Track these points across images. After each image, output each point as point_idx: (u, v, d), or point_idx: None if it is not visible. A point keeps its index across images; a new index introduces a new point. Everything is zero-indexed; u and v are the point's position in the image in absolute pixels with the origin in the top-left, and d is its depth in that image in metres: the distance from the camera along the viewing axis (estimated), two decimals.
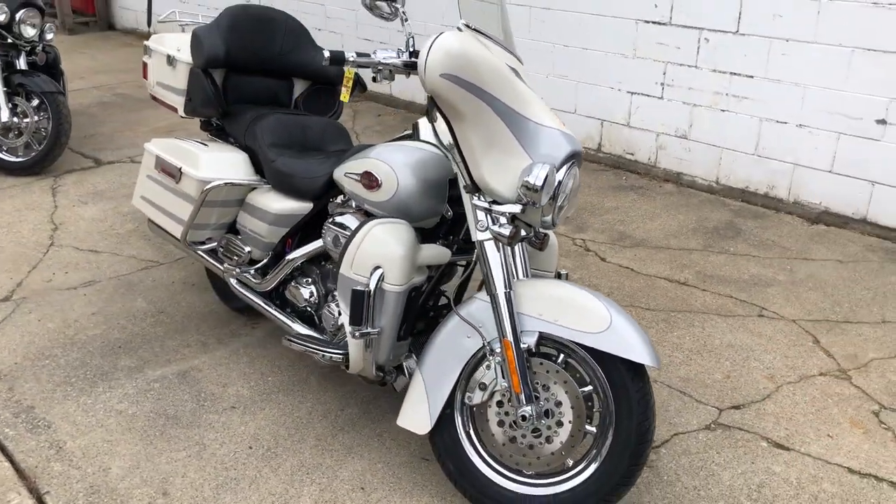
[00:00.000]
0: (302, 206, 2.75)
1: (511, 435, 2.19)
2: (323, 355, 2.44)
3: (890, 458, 2.55)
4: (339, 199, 2.66)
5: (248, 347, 3.13)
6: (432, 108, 2.04)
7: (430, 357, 2.24)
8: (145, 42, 3.29)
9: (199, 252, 3.06)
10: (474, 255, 2.44)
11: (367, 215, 2.47)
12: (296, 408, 2.76)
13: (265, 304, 2.84)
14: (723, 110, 4.80)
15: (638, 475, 2.11)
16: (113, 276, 3.70)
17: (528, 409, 2.10)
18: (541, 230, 2.17)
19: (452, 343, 2.22)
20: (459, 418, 2.26)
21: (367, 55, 2.14)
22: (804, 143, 4.51)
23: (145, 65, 3.30)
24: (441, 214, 2.40)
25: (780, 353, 3.14)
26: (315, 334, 2.61)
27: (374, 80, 2.26)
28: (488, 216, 2.12)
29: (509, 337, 2.10)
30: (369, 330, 2.21)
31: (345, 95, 2.22)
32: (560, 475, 2.17)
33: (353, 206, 2.56)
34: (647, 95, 5.13)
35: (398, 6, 2.22)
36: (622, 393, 2.10)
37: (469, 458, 2.24)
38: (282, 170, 2.76)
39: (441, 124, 2.18)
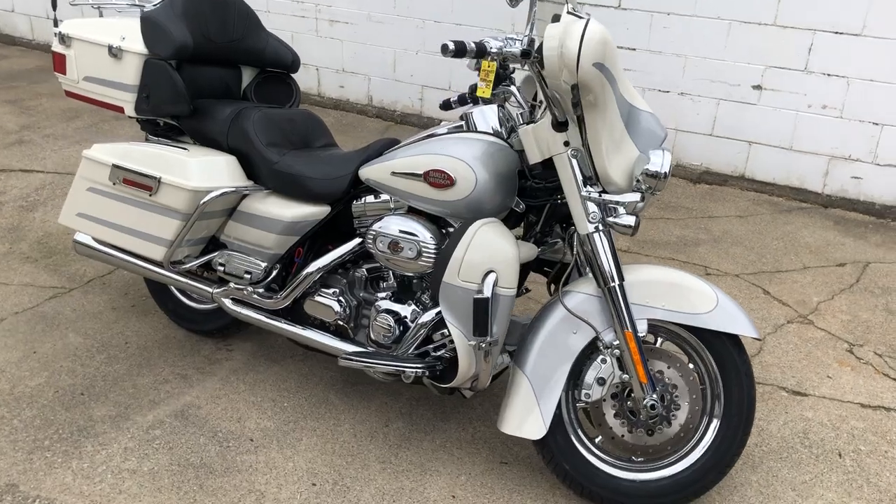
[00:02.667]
0: (319, 211, 2.46)
1: (630, 425, 2.15)
2: (404, 372, 2.23)
3: (884, 388, 2.87)
4: (366, 199, 2.42)
5: (239, 373, 2.77)
6: (573, 99, 1.89)
7: (535, 357, 2.13)
8: (59, 29, 2.72)
9: (179, 274, 2.64)
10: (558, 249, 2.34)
11: (417, 215, 2.28)
12: (335, 432, 2.49)
13: (283, 323, 2.51)
14: None
15: (747, 441, 2.19)
16: (18, 311, 3.07)
17: (654, 397, 2.08)
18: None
19: (558, 340, 2.12)
20: (567, 416, 2.19)
21: (483, 44, 1.94)
22: (686, 111, 4.87)
23: (60, 56, 2.73)
24: (509, 209, 2.27)
25: (745, 307, 3.39)
26: (377, 351, 2.37)
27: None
28: (601, 208, 2.05)
29: (629, 328, 2.06)
30: (491, 339, 2.05)
31: (485, 91, 2.00)
32: (673, 456, 2.19)
33: (391, 206, 2.35)
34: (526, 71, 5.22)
35: None
36: (730, 367, 2.14)
37: (583, 455, 2.18)
38: (288, 172, 2.45)
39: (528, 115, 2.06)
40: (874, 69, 4.24)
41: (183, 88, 2.50)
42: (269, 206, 2.49)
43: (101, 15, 2.81)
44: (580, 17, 1.89)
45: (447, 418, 2.58)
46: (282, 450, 2.39)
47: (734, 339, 2.14)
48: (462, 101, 2.52)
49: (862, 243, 4.11)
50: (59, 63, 2.73)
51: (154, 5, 2.74)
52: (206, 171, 2.44)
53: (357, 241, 2.47)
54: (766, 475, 2.39)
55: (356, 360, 2.29)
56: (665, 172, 1.94)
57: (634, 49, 4.86)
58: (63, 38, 2.69)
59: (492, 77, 1.92)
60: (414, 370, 2.22)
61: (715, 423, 2.17)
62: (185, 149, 2.52)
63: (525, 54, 1.93)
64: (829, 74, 4.38)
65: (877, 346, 3.14)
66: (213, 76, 2.75)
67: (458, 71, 5.49)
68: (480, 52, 1.92)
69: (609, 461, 2.20)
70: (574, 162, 2.03)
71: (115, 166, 2.52)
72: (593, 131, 1.93)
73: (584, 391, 2.12)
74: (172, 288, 2.99)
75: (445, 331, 2.20)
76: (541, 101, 2.35)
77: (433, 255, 2.22)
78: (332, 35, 5.96)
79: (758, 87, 4.61)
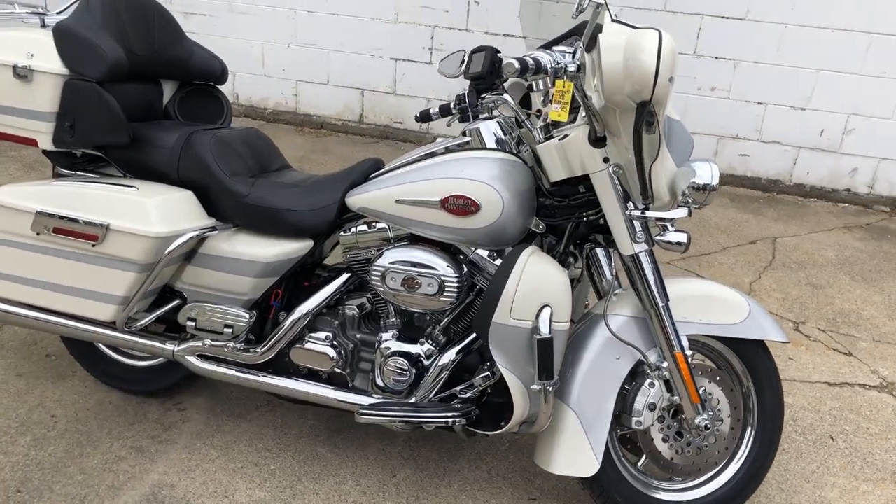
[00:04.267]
0: (301, 247, 2.15)
1: (678, 447, 2.07)
2: (441, 422, 2.00)
3: (840, 364, 3.01)
4: (358, 229, 2.15)
5: (203, 436, 2.39)
6: (641, 116, 1.72)
7: (580, 389, 1.97)
8: None
9: (131, 334, 2.23)
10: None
11: (426, 244, 2.06)
12: (340, 492, 2.21)
13: (268, 378, 2.19)
14: None
15: (779, 445, 2.18)
16: None
17: (705, 417, 2.01)
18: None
19: (603, 368, 1.99)
20: (611, 445, 2.06)
21: (538, 61, 1.72)
22: None
23: None
24: (528, 231, 2.09)
25: None
26: (395, 399, 2.11)
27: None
28: (643, 226, 1.92)
29: (678, 349, 1.96)
30: (556, 381, 1.86)
31: (561, 114, 1.76)
32: (714, 469, 2.14)
33: (392, 235, 2.10)
34: (415, 62, 5.01)
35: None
36: (761, 372, 2.12)
37: (631, 484, 2.07)
38: (263, 205, 2.12)
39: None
40: (758, 52, 4.46)
41: (121, 113, 2.08)
42: (241, 246, 2.15)
43: None
44: (633, 27, 1.74)
45: (455, 458, 2.38)
46: None
47: (762, 344, 2.11)
48: (445, 111, 2.30)
49: (762, 219, 4.34)
50: None
51: (60, 12, 2.28)
52: (166, 212, 2.05)
53: (346, 276, 2.20)
54: (778, 470, 2.41)
55: (380, 415, 2.04)
56: (714, 185, 1.85)
57: (525, 38, 4.79)
58: None
59: (568, 98, 1.72)
60: (454, 419, 2.00)
61: (750, 432, 2.14)
62: (130, 186, 2.10)
63: (580, 69, 1.75)
64: (716, 58, 4.56)
65: (817, 321, 3.30)
66: (133, 93, 2.33)
67: (335, 65, 5.17)
68: (538, 69, 1.72)
69: (656, 486, 2.12)
70: (616, 179, 1.89)
71: (40, 213, 2.06)
72: (648, 147, 1.80)
73: (634, 418, 2.01)
74: (100, 345, 2.54)
75: (486, 373, 2.00)
76: (537, 112, 2.19)
77: (457, 291, 2.00)
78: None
79: None
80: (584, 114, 1.87)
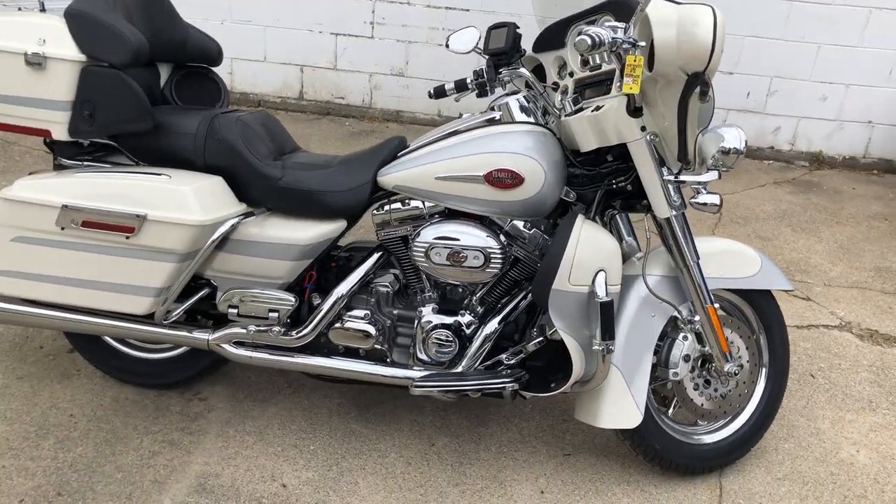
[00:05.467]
0: (336, 228, 2.17)
1: (707, 394, 2.23)
2: (500, 388, 2.08)
3: (804, 308, 3.28)
4: (391, 207, 2.18)
5: (234, 424, 2.37)
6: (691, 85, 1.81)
7: (622, 346, 2.09)
8: None
9: (168, 326, 2.18)
10: None
11: (464, 218, 2.11)
12: (385, 464, 2.25)
13: (312, 359, 2.20)
14: (439, 45, 4.94)
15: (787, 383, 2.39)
16: None
17: (732, 364, 2.18)
18: None
19: (642, 325, 2.11)
20: (648, 397, 2.20)
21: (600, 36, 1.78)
22: None
23: None
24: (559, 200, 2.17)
25: None
26: (446, 372, 2.17)
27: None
28: (677, 190, 2.05)
29: (709, 302, 2.11)
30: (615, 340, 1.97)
31: (633, 87, 1.80)
32: (737, 410, 2.32)
33: (426, 211, 2.14)
34: (356, 36, 4.97)
35: None
36: (772, 318, 2.31)
37: (667, 432, 2.22)
38: (297, 188, 2.11)
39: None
40: None
41: (146, 99, 2.02)
42: (276, 230, 2.13)
43: None
44: (677, 2, 1.84)
45: (485, 423, 2.47)
46: (345, 498, 2.12)
47: (769, 293, 2.30)
48: (460, 87, 2.35)
49: None
50: None
51: None
52: (205, 199, 2.01)
53: (378, 254, 2.23)
54: None
55: (437, 386, 2.09)
56: (742, 149, 1.99)
57: (468, 10, 4.84)
58: None
59: (639, 72, 1.79)
60: (508, 384, 2.09)
61: (764, 372, 2.34)
62: (160, 174, 2.04)
63: (634, 44, 1.83)
64: None
65: None
66: (137, 78, 2.25)
67: (273, 42, 5.05)
68: (599, 44, 1.78)
69: (685, 432, 2.28)
70: (652, 146, 2.00)
71: (66, 207, 1.98)
72: (698, 114, 1.91)
73: (671, 370, 2.15)
74: (108, 339, 2.46)
75: (538, 339, 2.10)
76: (553, 85, 2.27)
77: (501, 262, 2.08)
78: None
79: None
80: (618, 85, 1.96)
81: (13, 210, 2.01)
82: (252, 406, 2.46)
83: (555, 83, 2.27)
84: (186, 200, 1.97)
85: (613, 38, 1.77)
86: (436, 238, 2.08)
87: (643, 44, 1.75)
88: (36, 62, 1.97)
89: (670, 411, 2.28)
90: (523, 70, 2.19)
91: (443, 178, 2.06)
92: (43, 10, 2.13)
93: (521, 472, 2.27)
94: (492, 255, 2.07)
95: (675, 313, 2.14)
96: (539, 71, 2.33)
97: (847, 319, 3.27)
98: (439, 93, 2.39)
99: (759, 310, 2.30)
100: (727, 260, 2.21)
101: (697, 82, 1.79)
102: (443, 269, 2.10)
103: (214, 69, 2.50)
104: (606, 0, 2.03)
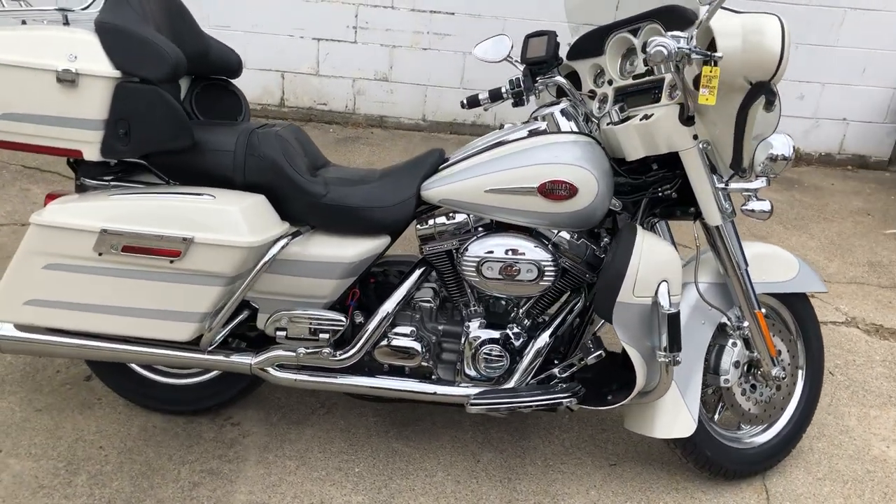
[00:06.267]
0: (380, 244, 2.12)
1: (754, 398, 2.24)
2: (556, 402, 2.05)
3: None
4: (436, 221, 2.13)
5: (272, 449, 2.29)
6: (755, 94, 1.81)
7: None
8: None
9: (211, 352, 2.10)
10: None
11: (512, 231, 2.08)
12: (433, 483, 2.21)
13: (361, 379, 2.14)
14: (425, 49, 4.90)
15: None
16: None
17: (779, 368, 2.20)
18: None
19: (693, 334, 2.11)
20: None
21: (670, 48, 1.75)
22: (507, 72, 4.94)
23: None
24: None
25: None
26: (498, 388, 2.13)
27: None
28: (727, 197, 2.05)
29: (758, 308, 2.12)
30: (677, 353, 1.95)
31: (710, 98, 1.77)
32: (777, 413, 2.34)
33: (472, 224, 2.10)
34: (338, 41, 4.88)
35: None
36: (807, 319, 2.35)
37: (716, 438, 2.22)
38: (343, 204, 2.05)
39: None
40: None
41: (185, 116, 1.94)
42: (320, 248, 2.07)
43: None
44: (736, 11, 1.84)
45: (525, 436, 2.44)
46: None
47: (805, 295, 2.33)
48: (495, 97, 2.32)
49: None
50: None
51: (84, 8, 2.08)
52: (253, 219, 1.94)
53: (420, 269, 2.18)
54: None
55: (495, 404, 2.06)
56: (790, 156, 2.00)
57: (454, 13, 4.80)
58: None
59: (716, 83, 1.77)
60: (567, 398, 2.06)
61: (801, 374, 2.36)
62: (202, 194, 1.95)
63: (709, 55, 1.80)
64: None
65: None
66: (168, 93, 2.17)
67: (253, 47, 4.93)
68: (673, 55, 1.76)
69: (732, 437, 2.29)
70: (704, 155, 2.00)
71: (106, 231, 1.88)
72: (761, 122, 1.91)
73: (722, 377, 2.15)
74: (133, 365, 2.35)
75: (597, 352, 2.08)
76: (590, 93, 2.26)
77: (553, 274, 2.05)
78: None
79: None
80: (668, 94, 1.95)
81: (46, 236, 1.90)
82: (288, 429, 2.38)
83: (591, 91, 2.25)
84: (235, 221, 1.90)
85: (688, 49, 1.75)
86: (487, 252, 2.04)
87: (720, 55, 1.74)
88: (68, 79, 1.87)
89: (716, 417, 2.29)
90: (560, 78, 2.18)
91: (493, 191, 2.02)
92: (66, 23, 2.01)
93: (570, 484, 2.25)
94: (545, 268, 2.04)
95: (724, 320, 2.15)
96: (572, 79, 2.31)
97: (852, 315, 3.34)
98: (472, 102, 2.36)
99: (796, 312, 2.33)
100: (766, 264, 2.22)
101: (762, 91, 1.79)
102: (494, 283, 2.06)
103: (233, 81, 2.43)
104: (654, 9, 2.02)
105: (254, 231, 1.91)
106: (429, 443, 2.37)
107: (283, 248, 1.97)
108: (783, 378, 2.21)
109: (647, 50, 1.74)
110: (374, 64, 4.94)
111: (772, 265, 2.24)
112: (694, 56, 1.74)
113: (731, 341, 2.16)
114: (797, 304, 2.32)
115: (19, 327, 2.11)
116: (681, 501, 2.23)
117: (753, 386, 2.24)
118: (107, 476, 2.14)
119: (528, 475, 2.28)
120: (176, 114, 1.92)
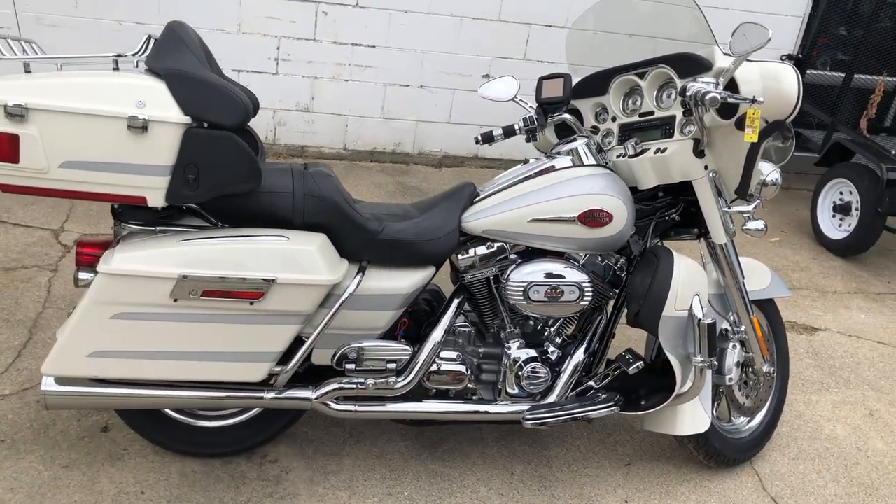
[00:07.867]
0: (427, 274, 2.25)
1: (746, 393, 2.57)
2: (603, 412, 2.26)
3: (786, 313, 3.77)
4: (477, 250, 2.29)
5: (317, 482, 2.33)
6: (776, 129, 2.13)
7: None
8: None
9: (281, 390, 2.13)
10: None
11: (548, 256, 2.28)
12: (480, 499, 2.34)
13: (416, 405, 2.24)
14: (346, 80, 4.99)
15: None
16: None
17: (769, 365, 2.54)
18: None
19: None
20: None
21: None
22: (426, 102, 5.15)
23: (9, 137, 1.83)
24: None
25: None
26: (541, 402, 2.32)
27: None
28: (730, 219, 2.36)
29: (752, 314, 2.45)
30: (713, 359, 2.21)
31: (753, 136, 2.00)
32: (766, 404, 2.68)
33: (509, 251, 2.29)
34: (260, 72, 4.86)
35: None
36: (776, 322, 2.72)
37: (720, 432, 2.53)
38: (399, 238, 2.17)
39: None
40: None
41: (256, 160, 1.98)
42: (377, 282, 2.17)
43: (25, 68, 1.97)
44: (749, 60, 2.15)
45: (545, 446, 2.63)
46: None
47: (772, 300, 2.70)
48: (509, 133, 2.52)
49: None
50: (6, 148, 1.84)
51: (135, 54, 2.09)
52: (329, 257, 2.01)
53: (459, 297, 2.33)
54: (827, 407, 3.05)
55: (550, 417, 2.24)
56: (778, 181, 2.35)
57: (375, 46, 4.94)
58: (13, 111, 1.82)
59: (758, 123, 2.05)
60: (611, 408, 2.28)
61: (775, 370, 2.73)
62: (274, 236, 2.00)
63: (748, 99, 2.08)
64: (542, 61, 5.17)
65: None
66: None
67: None
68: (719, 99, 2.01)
69: (729, 428, 2.61)
70: (713, 182, 2.29)
71: (185, 277, 1.89)
72: (777, 154, 2.24)
73: (727, 376, 2.46)
74: (168, 411, 2.32)
75: (637, 363, 2.31)
76: (593, 129, 2.51)
77: (592, 294, 2.27)
78: None
79: (487, 76, 5.16)
80: (681, 130, 2.24)
81: (117, 285, 1.88)
82: (326, 461, 2.43)
83: (594, 127, 2.51)
84: (314, 260, 1.97)
85: (726, 94, 2.02)
86: (528, 276, 2.23)
87: (762, 99, 2.03)
88: (138, 126, 1.86)
89: (714, 412, 2.60)
90: (568, 115, 2.41)
91: (537, 220, 2.21)
92: (116, 68, 1.99)
93: (599, 486, 2.47)
94: (585, 288, 2.25)
95: (726, 325, 2.46)
96: (573, 116, 2.55)
97: (827, 319, 3.82)
98: (487, 138, 2.54)
99: (769, 316, 2.69)
100: (749, 276, 2.56)
101: (778, 128, 2.12)
102: (538, 305, 2.25)
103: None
104: (667, 55, 2.29)
105: (330, 269, 1.99)
106: (462, 461, 2.51)
107: (359, 284, 2.06)
108: (773, 374, 2.56)
109: (688, 93, 2.01)
110: (295, 95, 4.97)
111: (751, 275, 2.58)
112: (733, 100, 2.03)
113: (731, 344, 2.48)
114: (769, 309, 2.68)
115: (59, 381, 2.05)
116: (693, 489, 2.50)
117: (746, 382, 2.57)
118: None
119: (560, 482, 2.47)
120: (249, 158, 1.96)
